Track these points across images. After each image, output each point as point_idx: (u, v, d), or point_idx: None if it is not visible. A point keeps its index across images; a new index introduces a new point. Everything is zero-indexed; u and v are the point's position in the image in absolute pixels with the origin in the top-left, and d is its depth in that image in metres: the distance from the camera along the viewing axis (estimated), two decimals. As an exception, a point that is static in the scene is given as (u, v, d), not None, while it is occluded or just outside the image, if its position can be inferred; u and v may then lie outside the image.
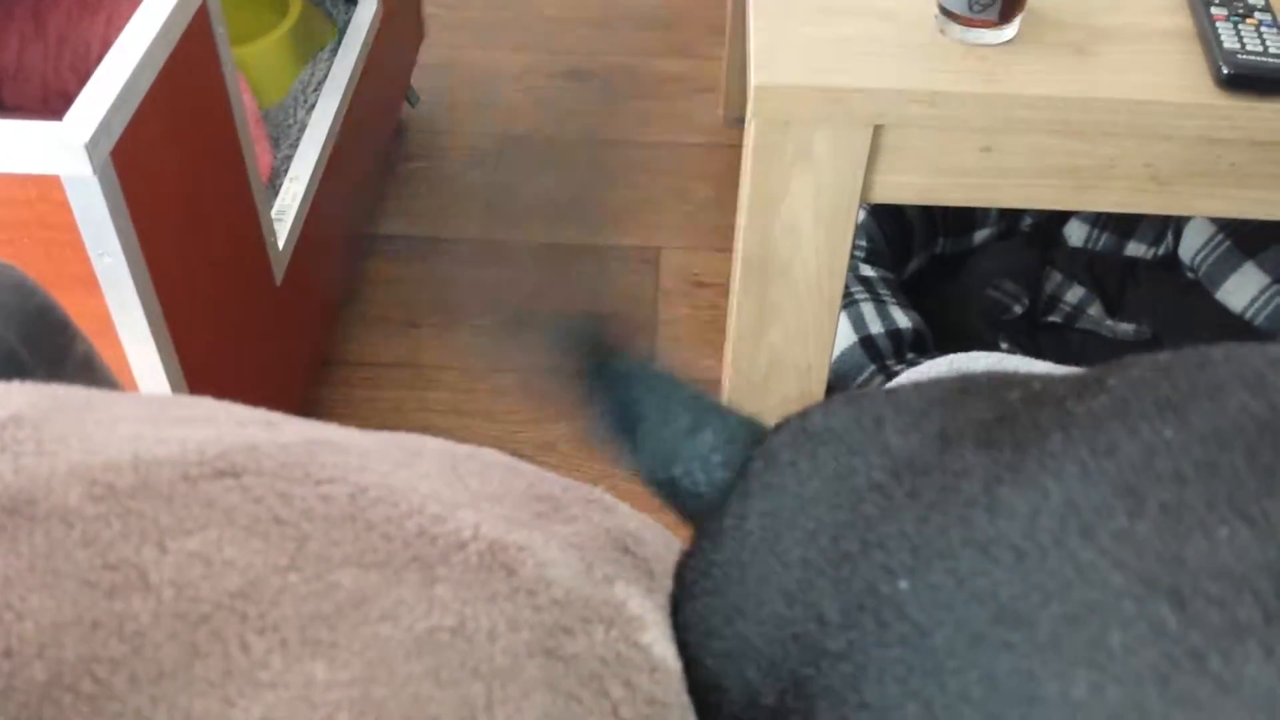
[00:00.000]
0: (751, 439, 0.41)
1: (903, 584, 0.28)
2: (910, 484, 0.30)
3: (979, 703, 0.25)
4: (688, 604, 0.34)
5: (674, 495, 0.42)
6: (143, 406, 0.33)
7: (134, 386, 0.94)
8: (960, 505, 0.28)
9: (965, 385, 0.33)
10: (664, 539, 0.39)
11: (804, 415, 0.37)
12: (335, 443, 0.32)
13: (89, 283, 0.86)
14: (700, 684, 0.32)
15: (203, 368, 1.00)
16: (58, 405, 0.31)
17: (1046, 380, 0.31)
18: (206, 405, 0.34)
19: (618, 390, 0.46)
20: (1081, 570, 0.25)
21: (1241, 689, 0.22)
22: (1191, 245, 1.36)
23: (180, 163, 0.96)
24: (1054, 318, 1.36)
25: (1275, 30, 0.84)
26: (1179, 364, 0.29)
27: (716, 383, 1.45)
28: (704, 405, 0.43)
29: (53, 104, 1.45)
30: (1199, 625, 0.23)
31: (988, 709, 0.25)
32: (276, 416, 0.35)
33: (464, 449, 0.37)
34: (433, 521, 0.30)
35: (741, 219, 0.93)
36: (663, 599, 0.35)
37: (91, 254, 0.84)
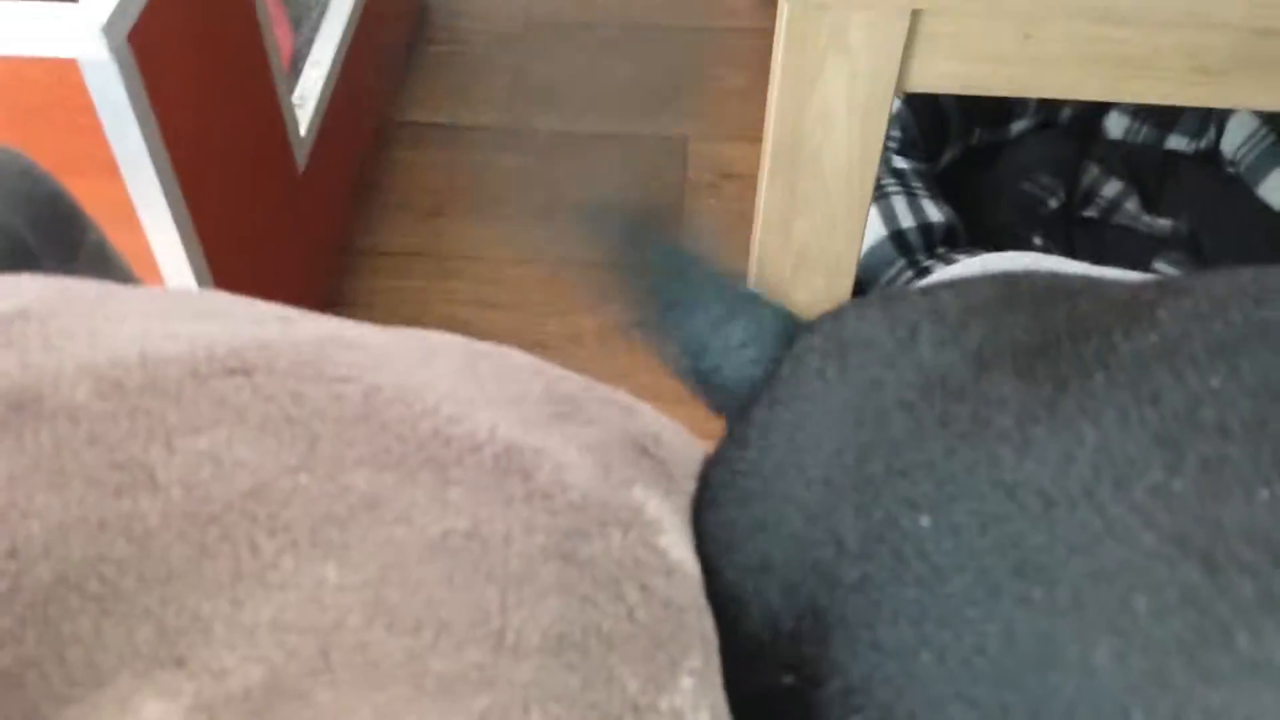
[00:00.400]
0: (784, 333, 0.39)
1: (924, 520, 0.27)
2: (941, 407, 0.28)
3: (995, 658, 0.24)
4: (710, 511, 0.33)
5: (704, 388, 0.41)
6: (154, 301, 0.32)
7: (156, 273, 0.94)
8: (991, 440, 0.26)
9: (1009, 294, 0.31)
10: (685, 440, 0.38)
11: (836, 316, 0.35)
12: (350, 340, 0.31)
13: (109, 167, 0.85)
14: (720, 595, 0.32)
15: (225, 254, 0.99)
16: (66, 299, 0.30)
17: (1095, 298, 0.29)
18: (221, 300, 0.33)
19: (651, 277, 0.45)
20: (1111, 525, 0.23)
21: (1269, 670, 0.21)
22: (1234, 139, 1.32)
23: (199, 46, 0.94)
24: (1090, 212, 1.33)
25: (1338, -89, 0.80)
26: (1235, 298, 0.27)
27: (742, 278, 1.43)
28: (737, 295, 0.42)
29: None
30: (1230, 595, 0.21)
31: (1004, 666, 0.24)
32: (292, 312, 0.34)
33: (483, 347, 0.36)
34: (448, 422, 0.29)
35: (772, 106, 0.90)
36: (682, 501, 0.34)
37: (110, 138, 0.83)
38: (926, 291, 0.33)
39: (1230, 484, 0.23)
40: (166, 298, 0.33)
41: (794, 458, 0.31)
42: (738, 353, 0.40)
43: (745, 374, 0.39)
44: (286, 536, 0.25)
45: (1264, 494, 0.22)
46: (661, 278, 0.44)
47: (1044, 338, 0.29)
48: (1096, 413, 0.25)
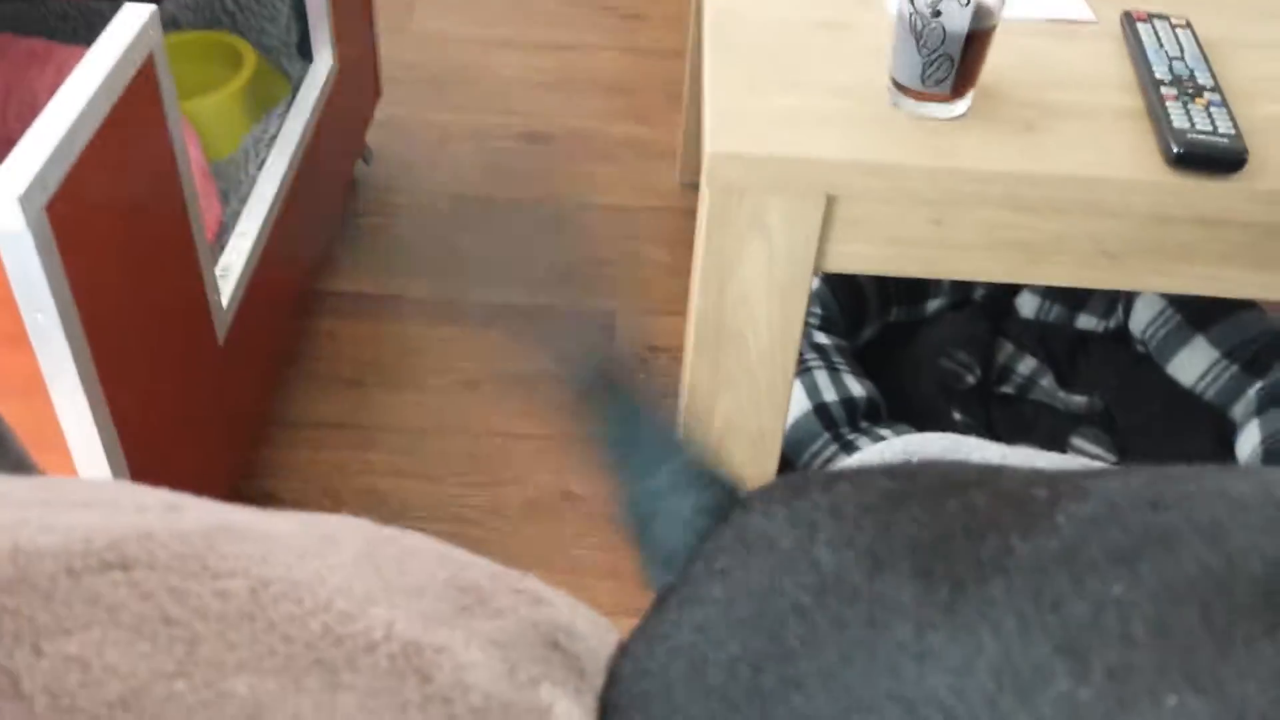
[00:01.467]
0: (717, 510, 0.39)
1: None
2: (835, 611, 0.28)
3: None
4: (615, 712, 0.32)
5: (647, 554, 0.40)
6: (34, 490, 0.30)
7: (65, 450, 0.91)
8: (889, 648, 0.26)
9: (905, 488, 0.31)
10: (599, 629, 0.36)
11: (746, 509, 0.35)
12: (240, 530, 0.30)
13: (19, 340, 0.83)
14: None
15: (139, 430, 0.97)
16: (-63, 488, 0.29)
17: (990, 493, 0.29)
18: (106, 488, 0.32)
19: (614, 421, 0.44)
20: None
21: None
22: (1142, 319, 1.37)
23: (121, 217, 0.94)
24: (1006, 388, 1.36)
25: (1224, 110, 0.85)
26: (1131, 504, 0.27)
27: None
28: (690, 465, 0.42)
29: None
30: None
31: None
32: (182, 499, 0.32)
33: (385, 532, 0.35)
34: (340, 620, 0.28)
35: (695, 286, 0.92)
36: (593, 700, 0.33)
37: (23, 311, 0.82)
38: (828, 484, 0.32)
39: (1138, 692, 0.22)
40: (49, 486, 0.31)
41: (696, 665, 0.30)
42: (686, 525, 0.39)
43: (690, 545, 0.38)
44: (156, 751, 0.24)
45: (1172, 700, 0.22)
46: (616, 435, 0.44)
47: (939, 534, 0.28)
48: (996, 620, 0.25)
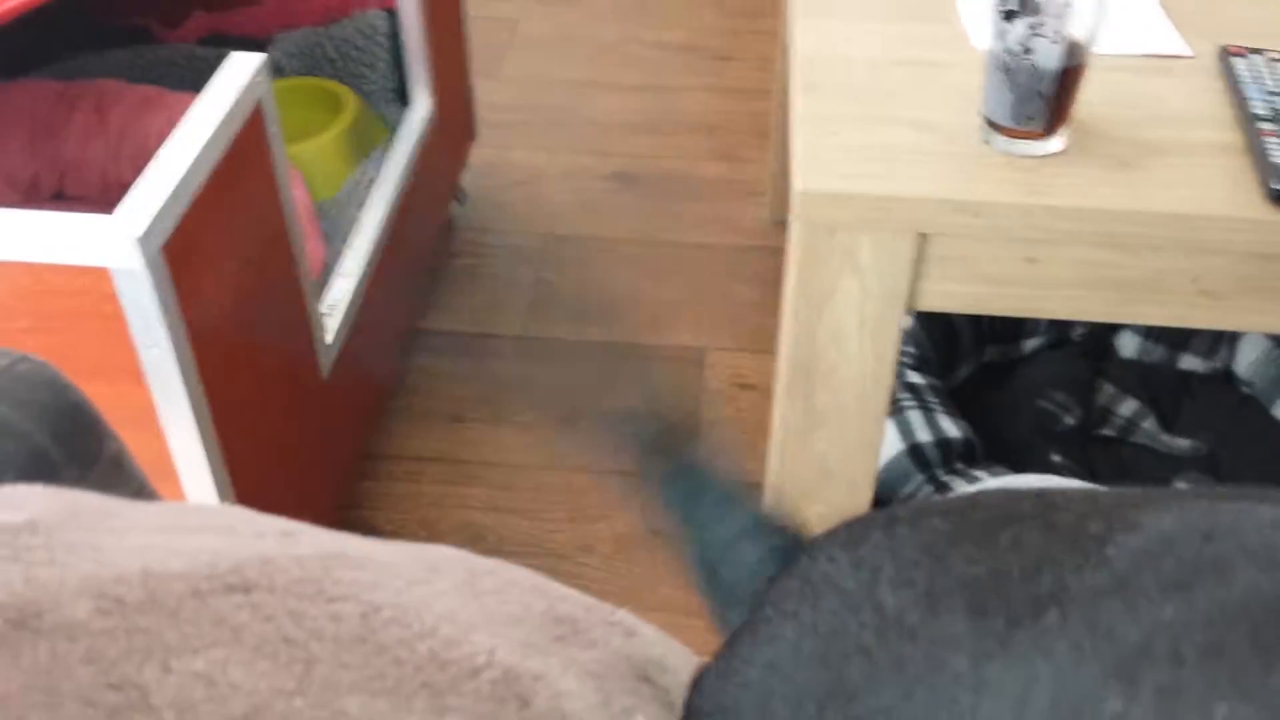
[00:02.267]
0: (783, 556, 0.40)
1: None
2: (896, 650, 0.29)
3: None
4: None
5: (716, 603, 0.41)
6: (160, 516, 0.32)
7: (176, 480, 0.94)
8: (947, 682, 0.27)
9: (959, 526, 0.32)
10: (687, 665, 0.37)
11: (813, 555, 0.36)
12: (352, 557, 0.31)
13: (134, 374, 0.87)
14: None
15: (246, 461, 1.00)
16: (74, 512, 0.31)
17: (1042, 527, 0.30)
18: (226, 514, 0.33)
19: (674, 488, 0.46)
20: None
21: None
22: (1247, 359, 1.34)
23: (231, 257, 0.98)
24: (1107, 431, 1.34)
25: (1328, 146, 0.83)
26: (1184, 535, 0.27)
27: (759, 487, 1.44)
28: (753, 515, 0.43)
29: (112, 195, 1.49)
30: None
31: None
32: (296, 526, 0.34)
33: (485, 564, 0.36)
34: (445, 645, 0.29)
35: (786, 323, 0.92)
36: (683, 730, 0.33)
37: (139, 345, 0.85)
38: (888, 526, 0.33)
39: (1187, 707, 0.23)
40: (172, 512, 0.33)
41: (763, 701, 0.31)
42: (751, 572, 0.40)
43: (757, 589, 0.39)
44: (276, 764, 0.25)
45: (1222, 709, 0.23)
46: (681, 491, 0.46)
47: (993, 571, 0.29)
48: (1050, 649, 0.25)
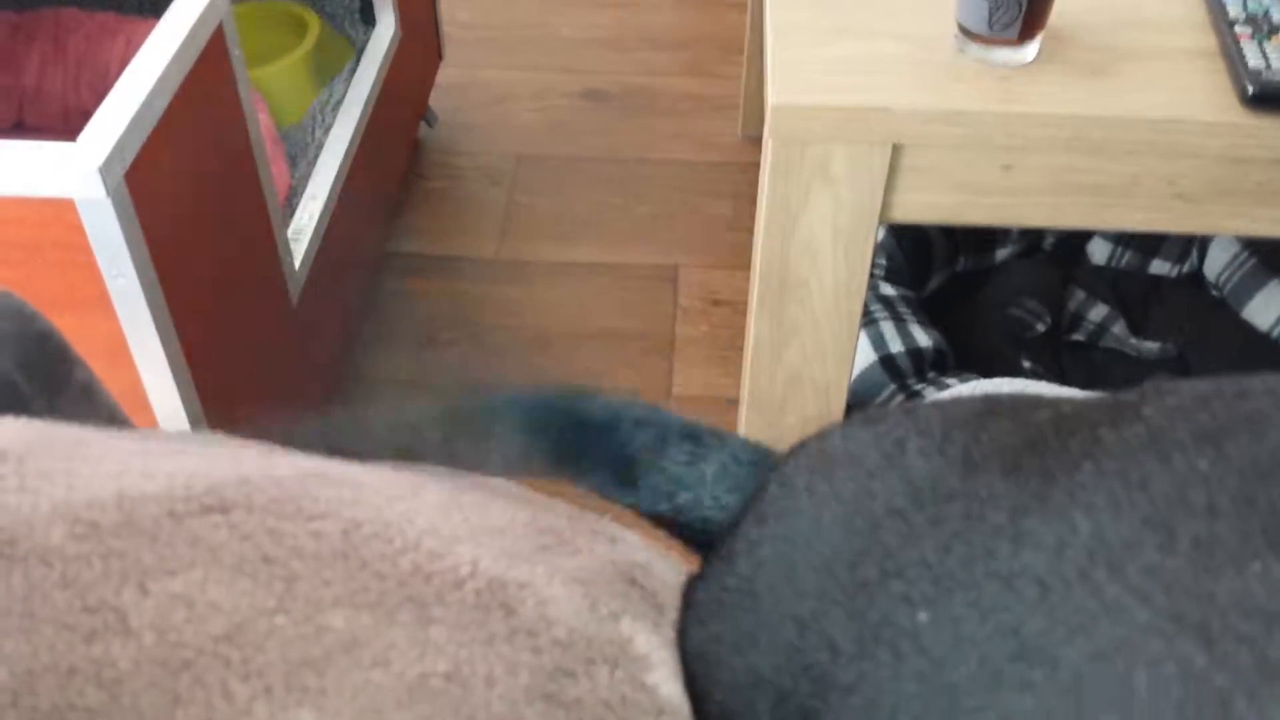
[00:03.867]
0: (757, 462, 0.40)
1: (922, 615, 0.27)
2: (933, 510, 0.29)
3: None
4: (696, 630, 0.33)
5: (679, 526, 0.41)
6: (134, 441, 0.32)
7: (148, 409, 0.94)
8: (985, 535, 0.27)
9: (991, 406, 0.32)
10: (674, 567, 0.37)
11: (821, 437, 0.36)
12: (331, 475, 0.31)
13: (103, 304, 0.86)
14: (709, 716, 0.31)
15: (218, 388, 0.99)
16: (45, 441, 0.30)
17: (1078, 404, 0.30)
18: (201, 438, 0.33)
19: (602, 441, 0.44)
20: (1107, 606, 0.24)
21: None
22: (1216, 263, 1.34)
23: (196, 184, 0.96)
24: (1078, 336, 1.34)
25: (1301, 46, 0.83)
26: (1217, 393, 0.28)
27: (734, 401, 1.44)
28: (699, 433, 0.42)
29: (73, 123, 1.46)
30: (1227, 665, 0.22)
31: None
32: (274, 451, 0.34)
33: (467, 479, 0.36)
34: (429, 558, 0.29)
35: (759, 237, 0.92)
36: (672, 632, 0.34)
37: (105, 276, 0.84)
38: (909, 411, 0.34)
39: (1222, 560, 0.23)
40: (147, 437, 0.33)
41: (785, 572, 0.31)
42: (714, 484, 0.40)
43: (723, 503, 0.39)
44: (261, 682, 0.25)
45: (1256, 566, 0.23)
46: (614, 436, 0.44)
47: (1029, 436, 0.29)
48: (1087, 501, 0.26)
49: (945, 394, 0.75)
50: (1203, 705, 0.22)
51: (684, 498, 0.40)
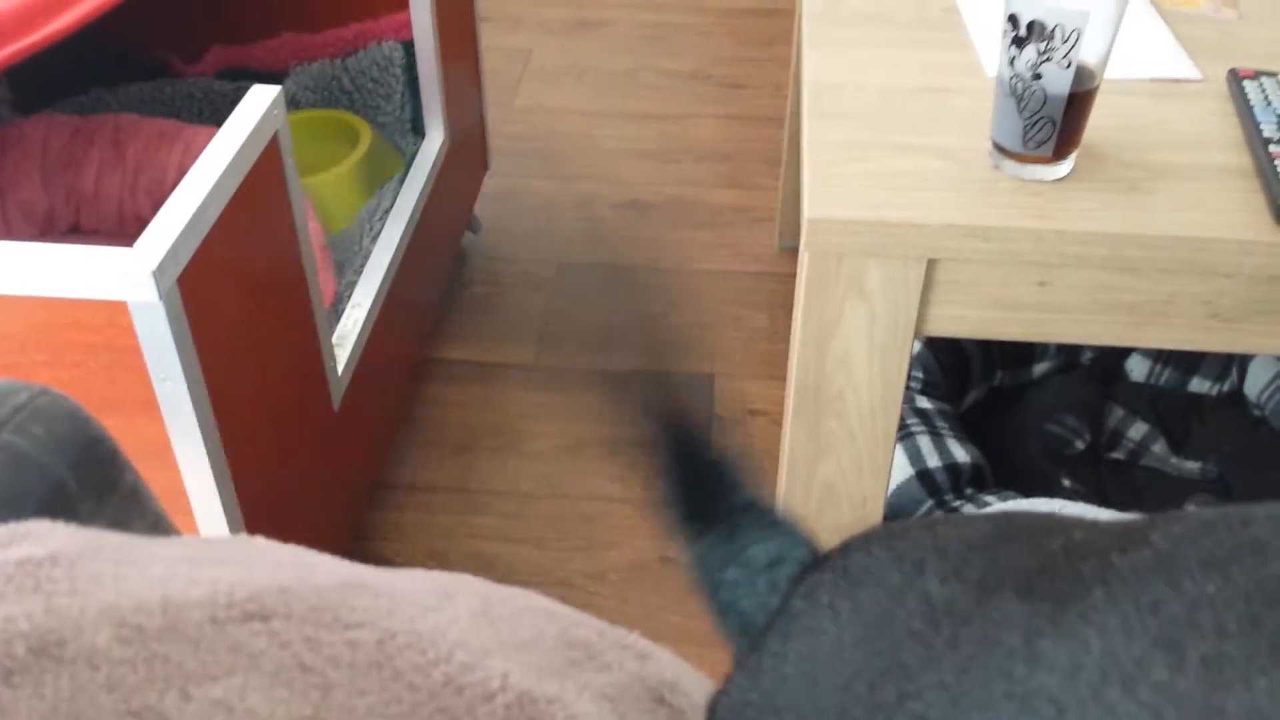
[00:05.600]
0: (802, 564, 0.40)
1: None
2: (949, 632, 0.30)
3: None
4: None
5: (723, 611, 0.42)
6: (179, 547, 0.32)
7: (189, 511, 0.95)
8: (1001, 657, 0.28)
9: (1006, 530, 0.33)
10: (702, 686, 0.37)
11: (844, 553, 0.36)
12: (368, 585, 0.32)
13: (150, 407, 0.87)
14: None
15: (258, 492, 1.01)
16: (95, 545, 0.31)
17: (1088, 529, 0.31)
18: (243, 544, 0.34)
19: (700, 480, 0.47)
20: None
21: None
22: (1257, 382, 1.33)
23: (245, 290, 0.99)
24: (1117, 454, 1.33)
25: (1335, 169, 0.84)
26: (1222, 521, 0.29)
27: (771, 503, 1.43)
28: (767, 519, 0.44)
29: (129, 228, 1.50)
30: None
31: None
32: (313, 556, 0.34)
33: (499, 591, 0.36)
34: (461, 670, 0.29)
35: (795, 349, 0.93)
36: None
37: (154, 379, 0.86)
38: (928, 528, 0.34)
39: (1231, 677, 0.24)
40: (192, 544, 0.34)
41: (807, 688, 0.32)
42: (762, 576, 0.41)
43: (764, 600, 0.40)
44: (294, 789, 0.25)
45: (1263, 682, 0.24)
46: (696, 494, 0.46)
47: (1042, 561, 0.30)
48: (1100, 622, 0.27)
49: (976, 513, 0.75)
50: None
51: (730, 582, 0.41)
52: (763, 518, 0.44)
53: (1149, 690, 0.25)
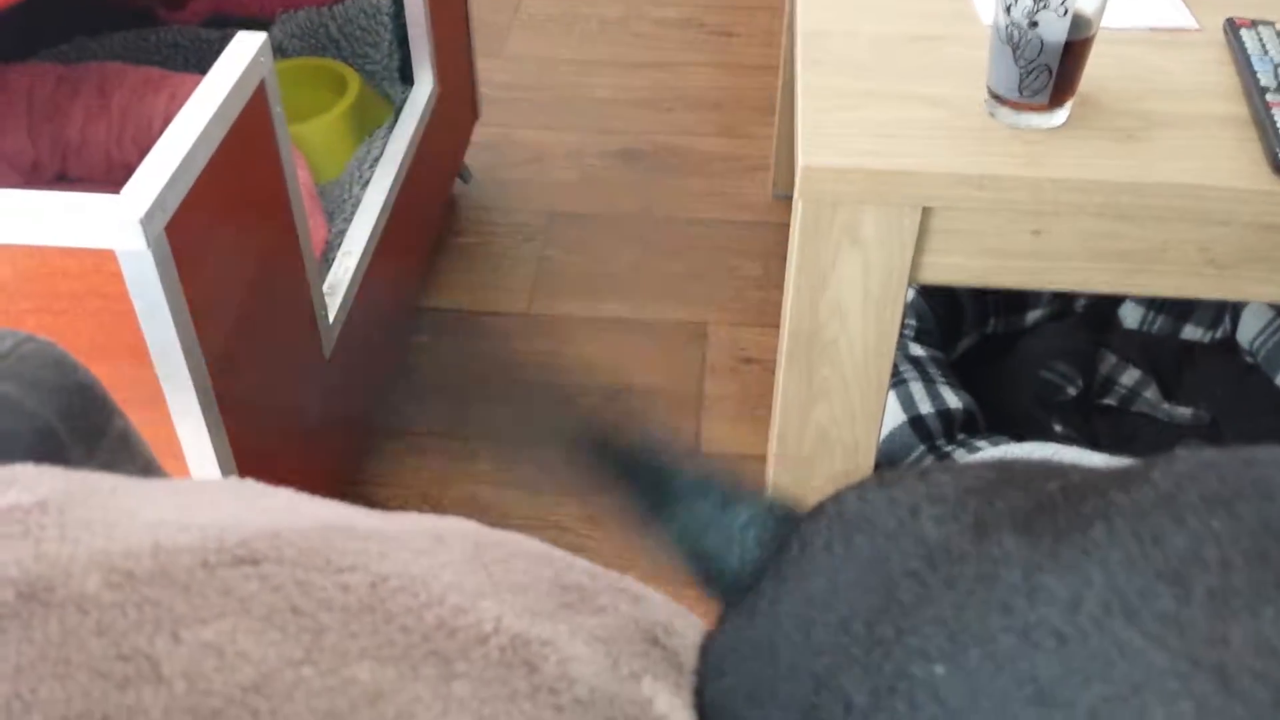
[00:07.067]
0: (784, 518, 0.41)
1: (938, 668, 0.28)
2: (946, 571, 0.30)
3: None
4: (712, 682, 0.34)
5: (704, 570, 0.42)
6: (170, 492, 0.32)
7: (181, 458, 0.95)
8: (1000, 592, 0.28)
9: (1002, 474, 0.33)
10: (695, 628, 0.38)
11: (838, 499, 0.36)
12: (359, 528, 0.32)
13: (140, 353, 0.87)
14: None
15: (250, 439, 1.00)
16: (85, 491, 0.31)
17: (1087, 472, 0.31)
18: (235, 488, 0.34)
19: (648, 471, 0.47)
20: (1125, 652, 0.25)
21: None
22: (1250, 329, 1.33)
23: (234, 237, 0.98)
24: (1109, 400, 1.34)
25: (1332, 115, 0.83)
26: (1225, 461, 0.29)
27: (762, 459, 1.44)
28: (736, 485, 0.44)
29: (116, 176, 1.49)
30: (1244, 700, 0.23)
31: None
32: (305, 500, 0.34)
33: (492, 534, 0.36)
34: (453, 613, 0.29)
35: (788, 297, 0.92)
36: (691, 695, 0.34)
37: (143, 326, 0.86)
38: (923, 475, 0.34)
39: (1237, 607, 0.24)
40: (182, 489, 0.33)
41: (803, 629, 0.32)
42: (740, 535, 0.41)
43: (748, 554, 0.40)
44: (286, 732, 0.25)
45: (1269, 611, 0.24)
46: (659, 471, 0.46)
47: (1040, 501, 0.30)
48: (1102, 557, 0.27)
49: (970, 457, 0.75)
50: None
51: (711, 543, 0.41)
52: (723, 486, 0.44)
53: (1153, 620, 0.25)
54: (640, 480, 0.46)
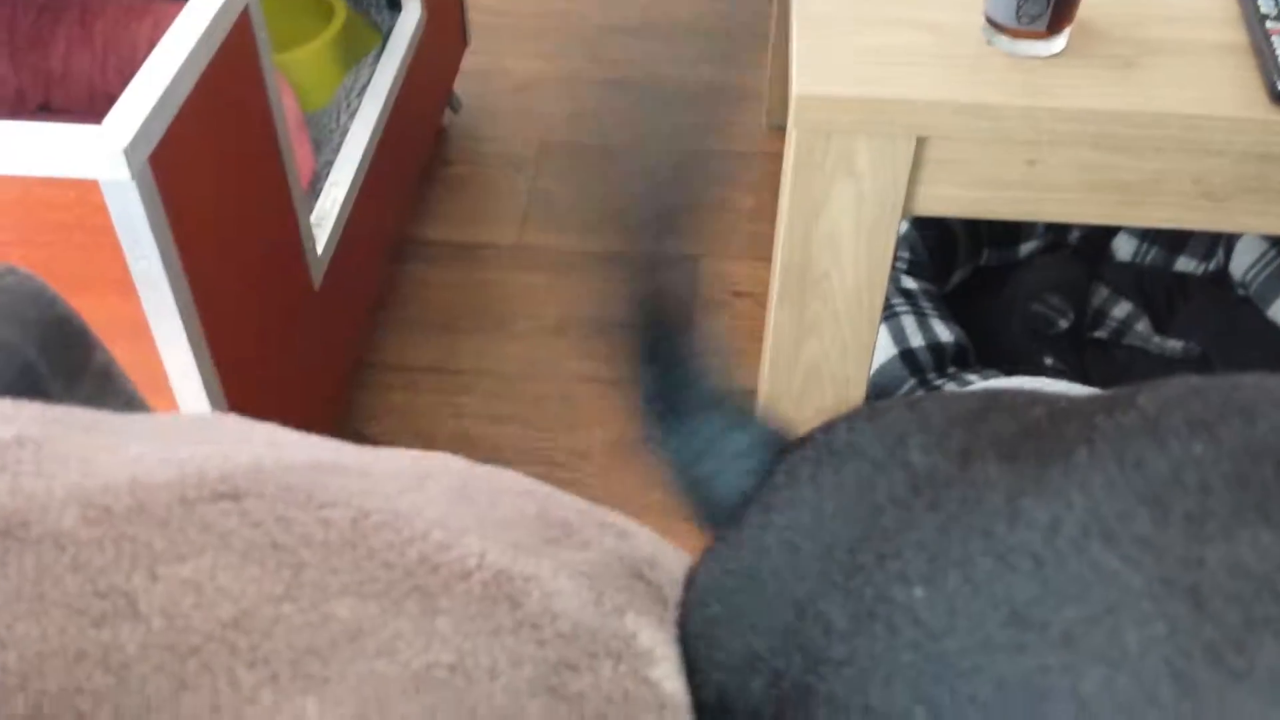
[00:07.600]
0: (778, 446, 0.41)
1: (917, 591, 0.28)
2: (930, 496, 0.30)
3: (986, 704, 0.25)
4: (696, 612, 0.34)
5: (696, 495, 0.42)
6: (150, 426, 0.32)
7: (169, 391, 0.94)
8: (981, 516, 0.28)
9: (990, 403, 0.33)
10: (681, 562, 0.38)
11: (827, 429, 0.36)
12: (342, 464, 0.31)
13: (125, 286, 0.86)
14: (705, 702, 0.32)
15: (239, 372, 1.00)
16: (63, 426, 0.30)
17: (1074, 399, 0.31)
18: (216, 422, 0.33)
19: (677, 367, 0.47)
20: (1100, 574, 0.25)
21: (1254, 676, 0.22)
22: (1243, 262, 1.33)
23: (220, 167, 0.97)
24: (1100, 333, 1.34)
25: (1333, 43, 0.82)
26: (1211, 386, 0.29)
27: (753, 393, 1.44)
28: (738, 409, 0.44)
29: (99, 106, 1.46)
30: (1216, 621, 0.23)
31: (995, 710, 0.25)
32: (287, 435, 0.34)
33: (478, 469, 0.36)
34: (436, 549, 0.29)
35: (781, 230, 0.92)
36: (675, 628, 0.34)
37: (128, 257, 0.85)
38: (912, 405, 0.34)
39: (1213, 530, 0.24)
40: (163, 423, 0.33)
41: (787, 558, 0.32)
42: (735, 462, 0.41)
43: (739, 483, 0.40)
44: (267, 669, 0.25)
45: (1245, 534, 0.24)
46: (667, 387, 0.46)
47: (1025, 427, 0.30)
48: (1083, 480, 0.27)
49: (956, 390, 0.75)
50: (1191, 656, 0.22)
51: (705, 469, 0.41)
52: (734, 410, 0.44)
53: (1130, 543, 0.25)
54: (666, 375, 0.46)
